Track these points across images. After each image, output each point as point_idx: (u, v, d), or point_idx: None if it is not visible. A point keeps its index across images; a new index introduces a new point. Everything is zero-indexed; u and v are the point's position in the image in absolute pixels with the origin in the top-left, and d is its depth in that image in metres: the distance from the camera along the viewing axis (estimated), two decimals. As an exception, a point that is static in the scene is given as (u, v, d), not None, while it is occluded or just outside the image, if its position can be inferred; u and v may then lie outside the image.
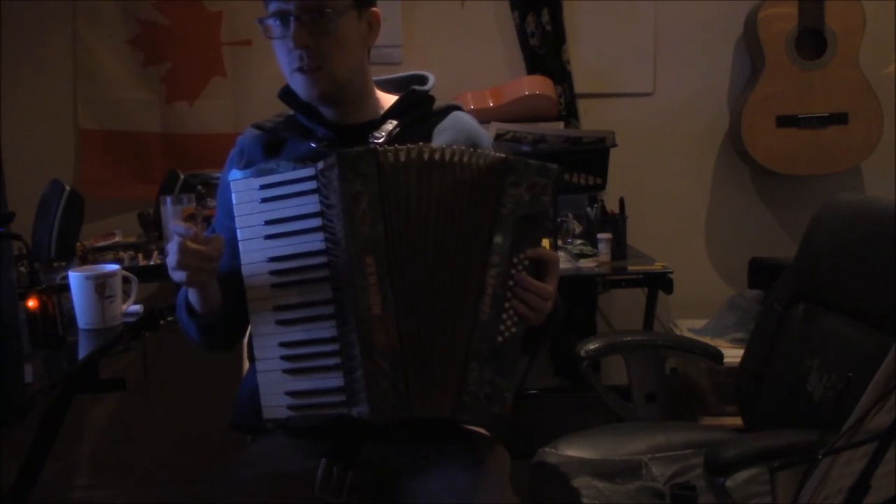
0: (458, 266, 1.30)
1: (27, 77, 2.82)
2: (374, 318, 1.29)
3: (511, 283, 1.29)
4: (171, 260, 1.32)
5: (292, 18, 1.39)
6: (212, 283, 1.38)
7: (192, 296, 1.41)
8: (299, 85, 1.45)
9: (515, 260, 1.29)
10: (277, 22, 1.42)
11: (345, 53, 1.44)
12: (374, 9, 1.48)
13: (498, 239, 1.29)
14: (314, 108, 1.51)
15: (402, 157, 1.30)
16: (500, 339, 1.30)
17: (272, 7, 1.42)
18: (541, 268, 1.32)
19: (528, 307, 1.30)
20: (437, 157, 1.30)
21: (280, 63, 1.47)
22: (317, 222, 1.32)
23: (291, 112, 1.56)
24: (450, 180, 1.30)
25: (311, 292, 1.33)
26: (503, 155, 1.32)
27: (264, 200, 1.34)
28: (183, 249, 1.30)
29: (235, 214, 1.36)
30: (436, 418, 1.35)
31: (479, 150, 1.34)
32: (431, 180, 1.30)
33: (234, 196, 1.36)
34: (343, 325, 1.31)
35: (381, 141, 1.46)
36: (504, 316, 1.30)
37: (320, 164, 1.31)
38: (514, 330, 1.30)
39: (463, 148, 1.34)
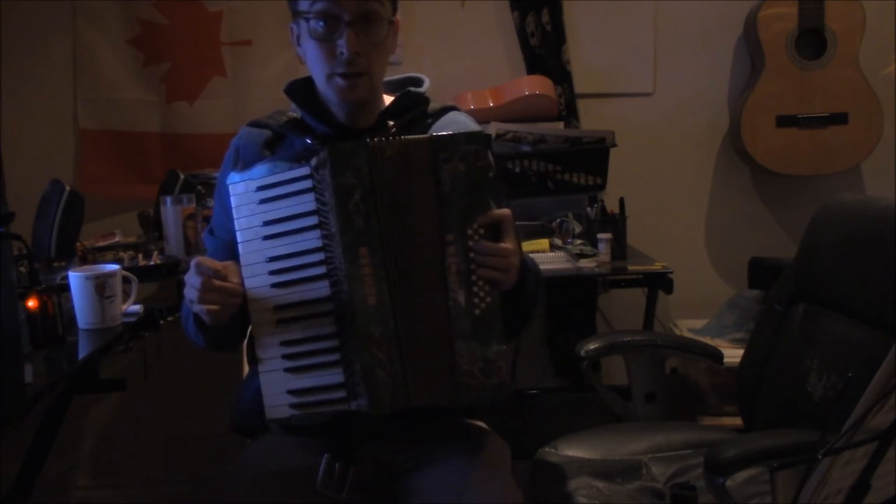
0: (426, 251, 1.32)
1: (27, 77, 2.82)
2: (369, 309, 1.30)
3: (472, 255, 1.30)
4: (192, 294, 1.32)
5: (344, 24, 1.38)
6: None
7: (204, 315, 1.39)
8: (337, 88, 1.43)
9: (470, 231, 1.30)
10: (321, 23, 1.40)
11: (383, 61, 1.46)
12: (397, 15, 1.49)
13: (447, 216, 1.30)
14: (324, 107, 1.50)
15: (388, 151, 1.31)
16: (476, 311, 1.31)
17: (318, 6, 1.39)
18: (496, 230, 1.32)
19: (494, 271, 1.31)
20: (405, 148, 1.32)
21: (312, 63, 1.45)
22: (313, 220, 1.33)
23: (289, 109, 1.55)
24: (410, 169, 1.32)
25: (309, 290, 1.33)
26: (428, 135, 1.34)
27: (262, 202, 1.35)
28: (207, 287, 1.30)
29: (234, 216, 1.36)
30: (438, 406, 1.36)
31: (411, 137, 1.35)
32: (404, 171, 1.32)
33: (232, 198, 1.36)
34: (341, 319, 1.32)
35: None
36: (475, 289, 1.30)
37: (313, 161, 1.32)
38: (488, 300, 1.31)
39: (406, 137, 1.35)
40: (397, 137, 1.34)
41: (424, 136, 1.34)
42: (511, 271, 1.32)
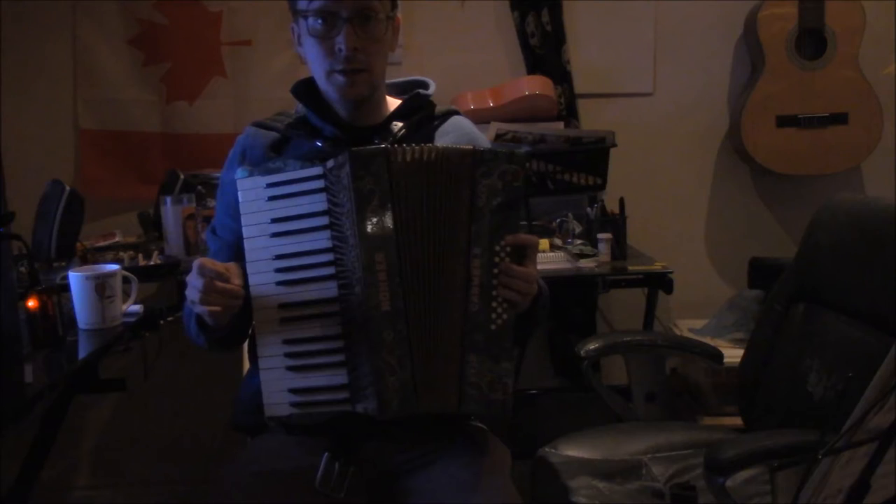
0: (449, 260, 1.32)
1: (27, 77, 2.82)
2: (383, 315, 1.30)
3: (496, 271, 1.31)
4: (194, 295, 1.32)
5: (342, 20, 1.39)
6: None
7: (206, 316, 1.39)
8: (337, 85, 1.44)
9: (497, 248, 1.31)
10: (320, 21, 1.41)
11: (383, 57, 1.46)
12: (397, 14, 1.50)
13: (477, 230, 1.31)
14: (328, 106, 1.50)
15: (408, 157, 1.32)
16: (492, 327, 1.31)
17: (316, 4, 1.40)
18: (521, 253, 1.33)
19: (514, 293, 1.32)
20: (433, 155, 1.33)
21: (312, 61, 1.45)
22: (324, 220, 1.33)
23: (294, 110, 1.56)
24: (440, 178, 1.32)
25: (316, 290, 1.33)
26: (470, 147, 1.34)
27: (271, 199, 1.35)
28: (209, 289, 1.30)
29: (242, 212, 1.36)
30: (440, 413, 1.36)
31: (449, 146, 1.36)
32: (431, 179, 1.32)
33: (240, 194, 1.36)
34: (349, 322, 1.32)
35: (388, 142, 1.46)
36: (494, 304, 1.31)
37: (330, 163, 1.32)
38: (505, 317, 1.32)
39: (442, 146, 1.35)
40: (433, 145, 1.35)
41: (467, 147, 1.35)
42: (530, 296, 1.34)
